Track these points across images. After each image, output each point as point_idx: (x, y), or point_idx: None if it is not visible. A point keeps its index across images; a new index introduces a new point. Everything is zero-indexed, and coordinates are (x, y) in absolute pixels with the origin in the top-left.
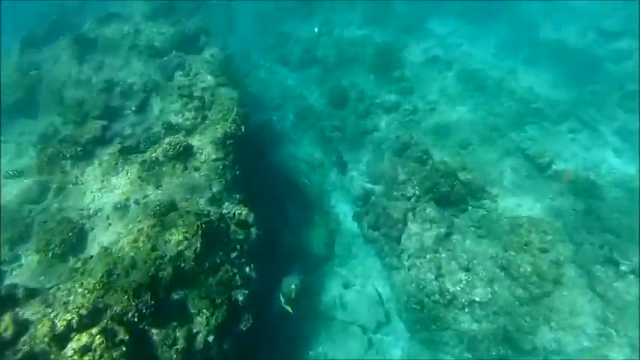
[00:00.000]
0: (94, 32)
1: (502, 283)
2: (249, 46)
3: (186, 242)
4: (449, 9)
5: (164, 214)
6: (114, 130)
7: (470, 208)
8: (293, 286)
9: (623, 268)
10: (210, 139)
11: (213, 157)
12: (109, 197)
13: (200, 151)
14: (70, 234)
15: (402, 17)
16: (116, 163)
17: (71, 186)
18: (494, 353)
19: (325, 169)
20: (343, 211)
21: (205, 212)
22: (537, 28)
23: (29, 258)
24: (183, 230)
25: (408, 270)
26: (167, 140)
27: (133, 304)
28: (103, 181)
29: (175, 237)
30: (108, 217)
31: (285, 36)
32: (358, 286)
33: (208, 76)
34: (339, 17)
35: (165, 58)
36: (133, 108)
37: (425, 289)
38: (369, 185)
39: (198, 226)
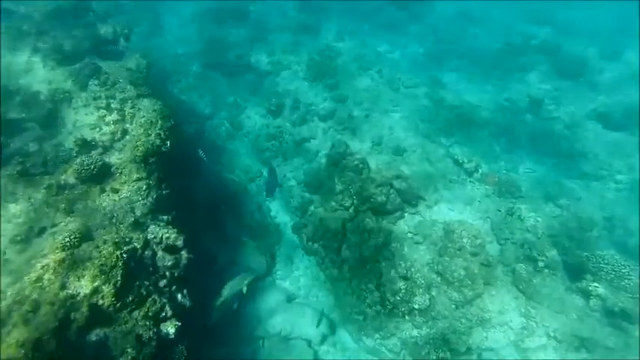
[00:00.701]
0: None
1: (439, 288)
2: (179, 51)
3: (103, 277)
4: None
5: (76, 247)
6: (14, 146)
7: (406, 215)
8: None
9: (540, 264)
10: (131, 156)
11: (135, 176)
12: (5, 229)
13: (120, 170)
14: None
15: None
16: (13, 189)
17: None
18: (434, 357)
19: (263, 177)
20: (284, 221)
21: (127, 239)
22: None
23: None
24: (100, 263)
25: (349, 281)
26: (79, 160)
27: None
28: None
29: (90, 271)
30: (4, 252)
31: (217, 40)
32: (301, 298)
33: (128, 86)
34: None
35: (77, 65)
36: (38, 123)
37: (366, 299)
38: (307, 195)
39: (117, 257)
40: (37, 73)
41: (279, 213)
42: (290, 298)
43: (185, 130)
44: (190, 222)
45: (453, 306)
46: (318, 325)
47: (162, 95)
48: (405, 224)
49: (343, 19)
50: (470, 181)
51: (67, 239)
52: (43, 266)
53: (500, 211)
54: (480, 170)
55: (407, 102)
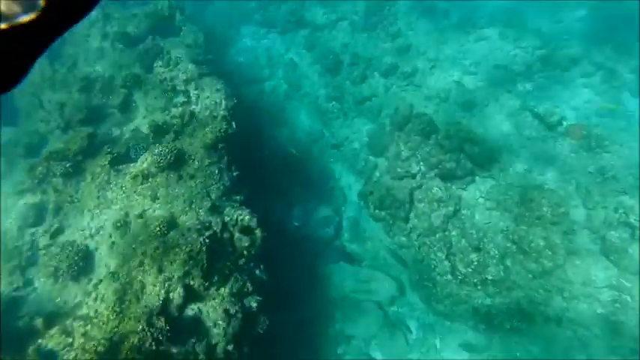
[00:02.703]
0: None
1: (514, 258)
2: (231, 11)
3: (191, 262)
4: None
5: (165, 234)
6: (101, 133)
7: (477, 178)
8: None
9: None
10: (202, 144)
11: (207, 162)
12: (107, 214)
13: (193, 157)
14: (76, 258)
15: None
16: (108, 178)
17: (68, 204)
18: (507, 326)
19: (326, 140)
20: (348, 183)
21: (207, 224)
22: None
23: (42, 281)
24: (188, 249)
25: (418, 249)
26: (157, 150)
27: (149, 333)
28: (98, 197)
29: (180, 256)
30: (110, 236)
31: None
32: (369, 261)
33: (190, 65)
34: None
35: (141, 47)
36: (117, 108)
37: (436, 268)
38: (371, 158)
39: (201, 243)
40: (109, 58)
41: (343, 174)
42: (358, 261)
43: (246, 93)
44: (261, 192)
45: (530, 276)
46: (387, 285)
47: (223, 68)
48: (476, 189)
49: None
50: (552, 137)
51: (158, 229)
52: (143, 253)
53: (590, 172)
54: (564, 122)
55: (478, 46)
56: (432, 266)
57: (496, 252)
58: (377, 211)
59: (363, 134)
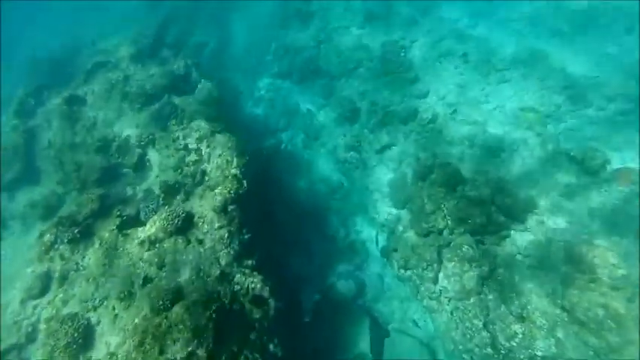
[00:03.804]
0: (82, 88)
1: (567, 329)
2: (249, 62)
3: (196, 340)
4: None
5: (169, 309)
6: (113, 193)
7: (513, 233)
8: None
9: None
10: (211, 207)
11: (217, 225)
12: (112, 282)
13: (202, 219)
14: (76, 334)
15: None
16: (116, 244)
17: (73, 273)
18: None
19: (345, 191)
20: (370, 236)
21: (215, 295)
22: None
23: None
24: (193, 326)
25: (451, 314)
26: (164, 215)
27: None
28: (104, 265)
29: (184, 335)
30: (114, 308)
31: (284, 47)
32: (397, 323)
33: (202, 123)
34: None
35: (157, 106)
36: (131, 167)
37: (473, 339)
38: (393, 210)
39: (207, 318)
40: (126, 117)
41: (364, 227)
42: (385, 324)
43: (262, 145)
44: (277, 245)
45: (592, 352)
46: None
47: (237, 116)
48: (512, 244)
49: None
50: (595, 184)
51: (161, 302)
52: (144, 330)
53: None
54: (608, 167)
55: (501, 88)
56: (469, 336)
57: (544, 321)
58: (402, 270)
59: (384, 184)
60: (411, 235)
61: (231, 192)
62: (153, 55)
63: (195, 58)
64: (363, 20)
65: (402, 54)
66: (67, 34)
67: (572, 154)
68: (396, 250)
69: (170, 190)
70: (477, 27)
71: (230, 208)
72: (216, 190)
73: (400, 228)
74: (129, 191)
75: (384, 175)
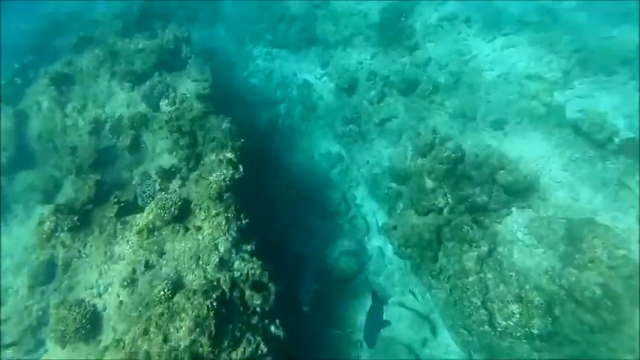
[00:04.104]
0: (69, 66)
1: (564, 307)
2: (242, 31)
3: (198, 329)
4: None
5: (170, 298)
6: (110, 178)
7: (514, 210)
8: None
9: None
10: (207, 195)
11: (214, 212)
12: (115, 269)
13: (199, 206)
14: (84, 320)
15: None
16: (115, 231)
17: (76, 260)
18: None
19: (345, 163)
20: (371, 210)
21: (215, 283)
22: None
23: (51, 345)
24: (194, 315)
25: (450, 291)
26: (160, 203)
27: None
28: (106, 252)
29: (186, 323)
30: (118, 295)
31: (278, 15)
32: (398, 297)
33: (195, 103)
34: None
35: (147, 84)
36: (126, 149)
37: (471, 316)
38: (394, 185)
39: (208, 307)
40: (117, 97)
41: (365, 200)
42: (386, 297)
43: (259, 119)
44: (276, 225)
45: (587, 329)
46: (417, 326)
47: (230, 90)
48: (513, 222)
49: None
50: (601, 156)
51: (162, 292)
52: (147, 319)
53: None
54: (615, 139)
55: (506, 54)
56: (467, 313)
57: (541, 300)
58: (402, 248)
59: (384, 158)
60: (410, 214)
61: (226, 179)
62: (141, 26)
63: (185, 30)
64: None
65: (403, 19)
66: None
67: (578, 125)
68: (395, 228)
69: (166, 175)
70: None
71: (226, 195)
72: (211, 178)
73: (400, 205)
74: (125, 174)
75: (384, 149)
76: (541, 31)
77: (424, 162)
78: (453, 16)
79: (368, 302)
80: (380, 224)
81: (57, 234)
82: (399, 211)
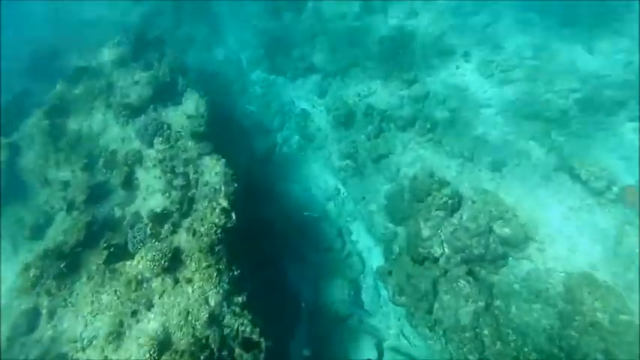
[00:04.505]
0: (64, 97)
1: None
2: (241, 56)
3: None
4: None
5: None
6: (101, 215)
7: (511, 260)
8: None
9: None
10: (198, 247)
11: (204, 264)
12: (102, 320)
13: (190, 257)
14: None
15: None
16: (103, 280)
17: (61, 309)
18: None
19: (342, 198)
20: (366, 246)
21: (203, 341)
22: None
23: None
24: None
25: (445, 344)
26: (150, 255)
27: None
28: (93, 302)
29: None
30: (103, 350)
31: (277, 40)
32: (392, 340)
33: (190, 143)
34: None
35: (142, 119)
36: (119, 185)
37: None
38: (390, 225)
39: None
40: (112, 130)
41: (360, 237)
42: (380, 342)
43: (257, 147)
44: (271, 258)
45: None
46: None
47: (227, 119)
48: (510, 273)
49: None
50: (599, 204)
51: (148, 355)
52: None
53: None
54: (614, 187)
55: (504, 90)
56: None
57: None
58: (397, 297)
59: (381, 195)
60: (406, 260)
61: (218, 232)
62: (137, 56)
63: (181, 59)
64: (360, 11)
65: (401, 51)
66: (47, 26)
67: (575, 171)
68: (390, 274)
69: (158, 219)
70: (480, 14)
71: (217, 248)
72: (202, 229)
73: (396, 248)
74: (117, 212)
75: (380, 185)
76: (538, 68)
77: (421, 207)
78: (451, 50)
79: (362, 344)
80: (375, 266)
81: (42, 281)
82: (394, 255)
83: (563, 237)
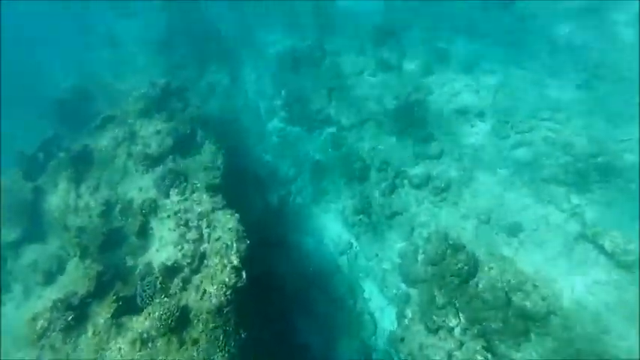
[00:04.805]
0: (88, 146)
1: None
2: (260, 105)
3: None
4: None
5: None
6: (114, 263)
7: (533, 336)
8: None
9: None
10: (206, 307)
11: (212, 325)
12: None
13: (197, 317)
14: None
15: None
16: (108, 336)
17: None
18: None
19: (354, 251)
20: (378, 306)
21: None
22: None
23: None
24: None
25: None
26: (157, 313)
27: None
28: (96, 358)
29: None
30: None
31: (295, 93)
32: None
33: (204, 196)
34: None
35: (160, 169)
36: (134, 234)
37: None
38: (403, 286)
39: None
40: (131, 179)
41: (373, 295)
42: None
43: (271, 197)
44: (278, 319)
45: None
46: None
47: (246, 165)
48: (532, 351)
49: (430, 44)
50: (627, 280)
51: None
52: None
53: None
54: None
55: (520, 153)
56: None
57: None
58: None
59: (394, 253)
60: (419, 328)
61: (227, 293)
62: (161, 107)
63: (202, 110)
64: (376, 68)
65: (416, 108)
66: (78, 72)
67: (600, 241)
68: (402, 341)
69: (168, 273)
70: (496, 74)
71: (226, 310)
72: (212, 289)
73: (409, 313)
74: (129, 261)
75: (394, 243)
76: (556, 130)
77: (435, 271)
78: (466, 109)
79: None
80: (387, 330)
81: (49, 333)
82: (407, 321)
83: (591, 313)
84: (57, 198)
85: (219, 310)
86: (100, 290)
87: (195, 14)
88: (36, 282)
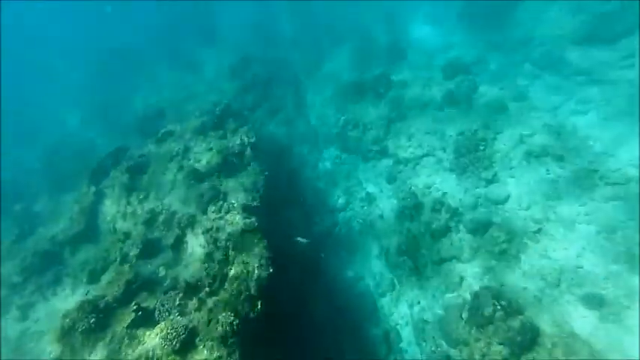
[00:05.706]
0: (147, 156)
1: None
2: (319, 131)
3: None
4: None
5: None
6: (146, 272)
7: None
8: None
9: None
10: (212, 334)
11: (216, 354)
12: None
13: (203, 342)
14: None
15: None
16: (120, 346)
17: None
18: None
19: (396, 293)
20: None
21: None
22: None
23: None
24: None
25: None
26: (165, 331)
27: None
28: None
29: None
30: None
31: (353, 122)
32: None
33: (237, 217)
34: (414, 89)
35: (205, 185)
36: (170, 246)
37: None
38: (443, 344)
39: None
40: (178, 192)
41: (410, 348)
42: None
43: (318, 224)
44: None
45: None
46: None
47: (293, 193)
48: None
49: (506, 80)
50: None
51: None
52: None
53: None
54: None
55: (609, 206)
56: None
57: None
58: None
59: (438, 304)
60: None
61: (235, 323)
62: (217, 126)
63: (253, 135)
64: (442, 102)
65: (482, 147)
66: (158, 93)
67: None
68: None
69: (189, 290)
70: (587, 114)
71: (231, 340)
72: (220, 317)
73: None
74: (161, 272)
75: (439, 293)
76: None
77: (480, 335)
78: (542, 152)
79: None
80: None
81: (72, 332)
82: None
83: None
84: (111, 202)
85: (224, 339)
86: (127, 297)
87: (272, 43)
88: (82, 280)
